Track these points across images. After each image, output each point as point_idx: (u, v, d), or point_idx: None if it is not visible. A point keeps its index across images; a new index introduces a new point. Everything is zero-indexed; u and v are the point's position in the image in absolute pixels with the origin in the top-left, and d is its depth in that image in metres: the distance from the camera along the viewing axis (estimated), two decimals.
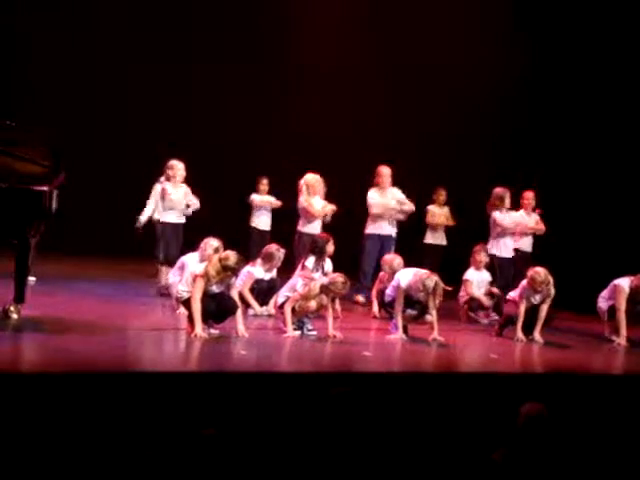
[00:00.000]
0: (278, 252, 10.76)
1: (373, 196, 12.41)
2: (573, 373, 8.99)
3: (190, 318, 8.91)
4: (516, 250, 12.42)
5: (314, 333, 9.60)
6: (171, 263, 10.97)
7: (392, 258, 11.21)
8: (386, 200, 12.38)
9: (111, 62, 14.88)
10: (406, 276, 9.91)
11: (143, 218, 11.48)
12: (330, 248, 10.81)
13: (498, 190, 12.34)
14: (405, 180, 12.74)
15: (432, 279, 9.72)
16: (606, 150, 14.28)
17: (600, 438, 7.30)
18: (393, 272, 10.76)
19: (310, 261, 10.65)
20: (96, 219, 14.34)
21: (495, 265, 12.12)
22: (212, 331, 8.96)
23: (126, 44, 14.85)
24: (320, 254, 10.72)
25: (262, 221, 13.76)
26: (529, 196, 12.66)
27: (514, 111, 14.67)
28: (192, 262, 9.80)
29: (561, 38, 14.60)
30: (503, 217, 12.25)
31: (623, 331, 10.68)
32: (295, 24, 15.59)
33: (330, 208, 11.81)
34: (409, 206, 12.40)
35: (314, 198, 11.81)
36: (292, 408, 6.89)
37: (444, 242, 13.45)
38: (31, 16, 14.54)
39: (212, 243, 9.95)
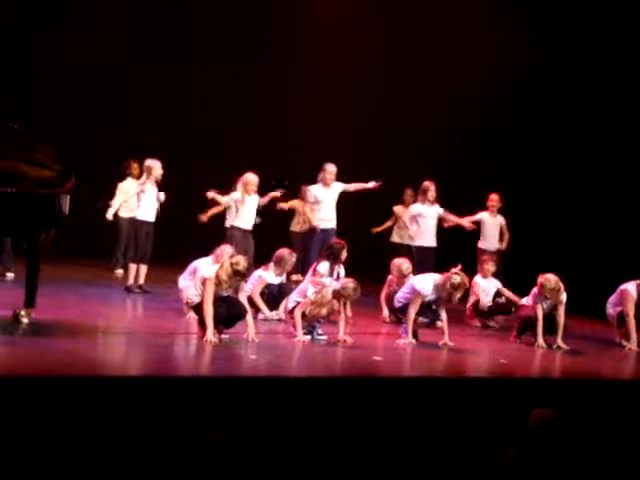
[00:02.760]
0: (290, 256, 10.77)
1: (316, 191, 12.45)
2: (584, 378, 8.97)
3: (201, 322, 8.92)
4: (482, 250, 12.75)
5: (324, 337, 9.60)
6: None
7: (401, 262, 11.19)
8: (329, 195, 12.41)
9: (110, 62, 14.88)
10: (427, 283, 9.81)
11: None
12: (344, 254, 10.82)
13: (425, 183, 12.53)
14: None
15: (457, 276, 9.64)
16: (616, 153, 14.28)
17: (610, 443, 7.28)
18: (402, 276, 10.74)
19: (323, 266, 10.65)
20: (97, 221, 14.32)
21: (415, 255, 12.35)
22: (223, 336, 8.97)
23: (125, 44, 14.92)
24: (335, 260, 10.73)
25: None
26: (494, 198, 12.98)
27: (513, 111, 14.73)
28: (204, 266, 9.81)
29: (549, 41, 14.71)
30: (422, 209, 12.45)
31: (634, 336, 10.63)
32: (294, 24, 15.65)
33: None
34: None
35: (244, 196, 11.72)
36: (302, 413, 6.88)
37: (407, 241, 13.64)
38: (31, 17, 14.56)
39: (228, 250, 10.03)
